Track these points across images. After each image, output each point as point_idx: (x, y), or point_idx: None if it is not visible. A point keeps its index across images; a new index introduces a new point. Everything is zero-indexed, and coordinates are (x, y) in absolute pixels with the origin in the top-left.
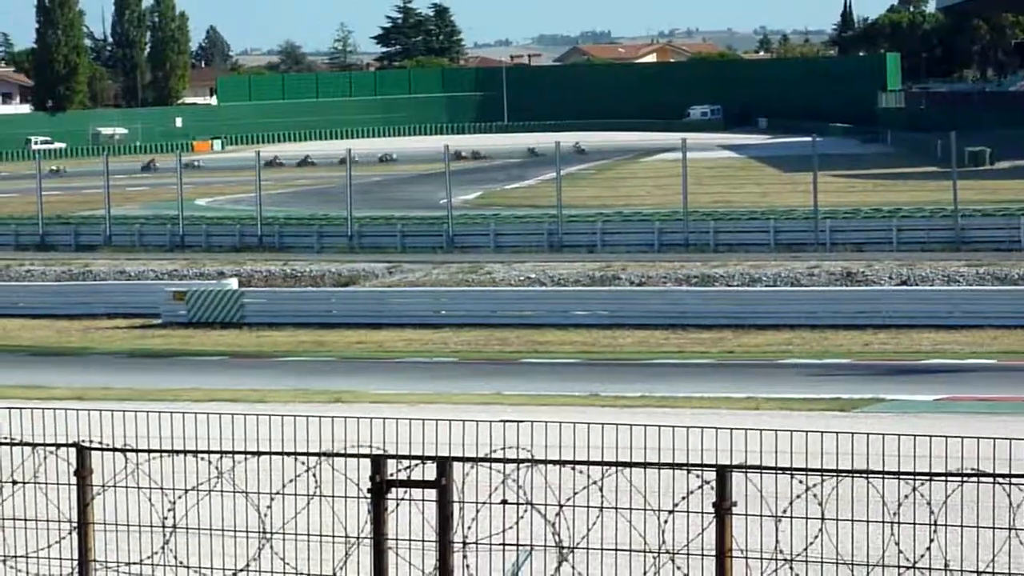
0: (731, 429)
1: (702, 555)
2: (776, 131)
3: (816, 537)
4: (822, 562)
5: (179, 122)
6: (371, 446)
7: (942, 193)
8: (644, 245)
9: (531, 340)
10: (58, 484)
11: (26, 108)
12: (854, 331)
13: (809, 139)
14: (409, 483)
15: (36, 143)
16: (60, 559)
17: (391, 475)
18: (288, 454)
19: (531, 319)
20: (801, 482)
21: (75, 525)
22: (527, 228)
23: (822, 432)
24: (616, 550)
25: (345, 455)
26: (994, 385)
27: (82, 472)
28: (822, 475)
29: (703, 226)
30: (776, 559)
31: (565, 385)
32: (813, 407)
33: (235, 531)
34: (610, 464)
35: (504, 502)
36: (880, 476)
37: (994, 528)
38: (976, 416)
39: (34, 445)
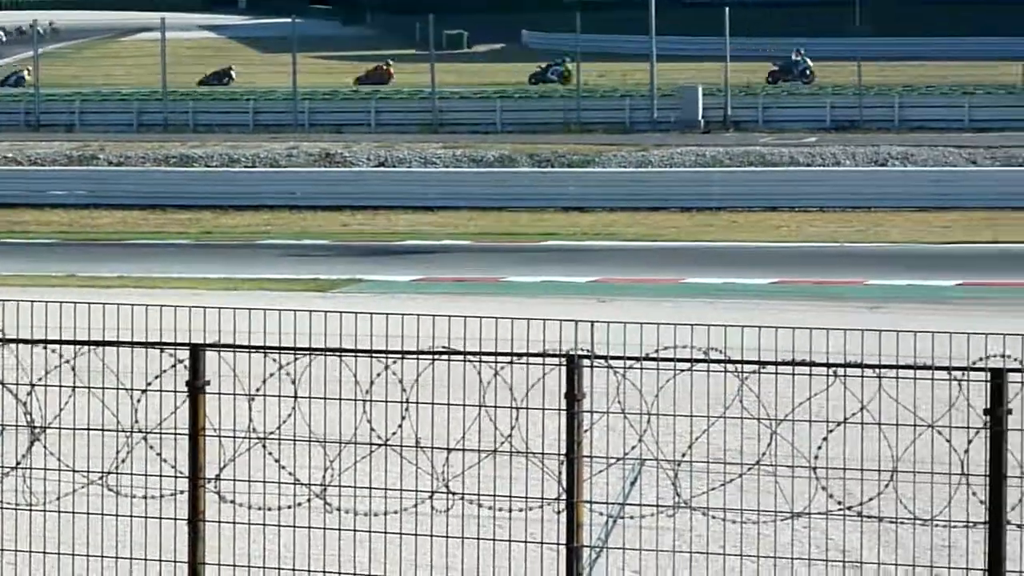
0: (205, 308)
1: (175, 434)
2: (257, 12)
3: (289, 416)
4: (295, 440)
5: None
6: None
7: (421, 76)
8: (123, 125)
9: (7, 220)
10: None
11: None
12: (332, 212)
13: (289, 20)
14: None
15: None
16: None
17: None
18: None
19: (7, 198)
20: (275, 360)
21: None
22: (0, 107)
23: (295, 311)
24: (88, 429)
25: None
26: (469, 265)
27: None
28: (295, 354)
29: (182, 107)
30: (249, 438)
31: (42, 265)
32: (291, 287)
33: None
34: (82, 343)
35: None
36: (352, 355)
37: (464, 405)
38: (451, 296)
39: None
